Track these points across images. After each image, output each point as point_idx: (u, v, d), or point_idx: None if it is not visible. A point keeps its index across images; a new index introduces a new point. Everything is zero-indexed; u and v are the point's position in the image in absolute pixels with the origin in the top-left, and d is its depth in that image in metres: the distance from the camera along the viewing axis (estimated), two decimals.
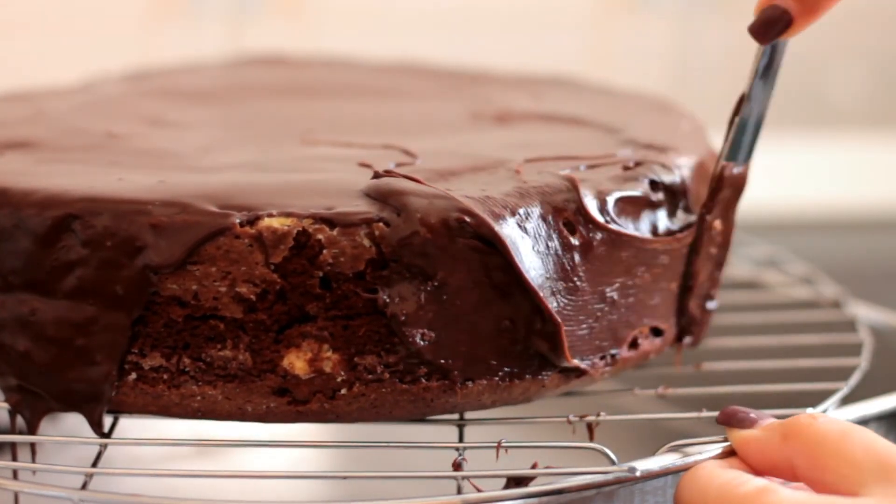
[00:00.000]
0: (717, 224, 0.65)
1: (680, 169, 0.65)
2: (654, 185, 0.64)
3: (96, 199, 0.59)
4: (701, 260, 0.65)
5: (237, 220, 0.58)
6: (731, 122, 0.64)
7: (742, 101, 0.63)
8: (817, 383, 0.64)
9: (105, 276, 0.58)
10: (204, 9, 1.21)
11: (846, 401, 0.64)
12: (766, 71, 0.63)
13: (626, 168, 0.64)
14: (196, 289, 0.58)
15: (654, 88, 0.85)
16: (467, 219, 0.58)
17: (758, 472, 0.56)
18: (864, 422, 0.63)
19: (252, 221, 0.58)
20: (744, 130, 0.64)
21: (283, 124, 0.73)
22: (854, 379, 0.65)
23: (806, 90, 1.19)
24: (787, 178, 1.22)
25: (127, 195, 0.59)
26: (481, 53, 1.01)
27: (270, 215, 0.58)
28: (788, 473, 0.55)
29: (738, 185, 0.65)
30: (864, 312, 0.77)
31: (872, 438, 0.54)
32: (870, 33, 1.23)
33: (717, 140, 0.73)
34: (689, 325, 0.66)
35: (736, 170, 0.64)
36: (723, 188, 0.64)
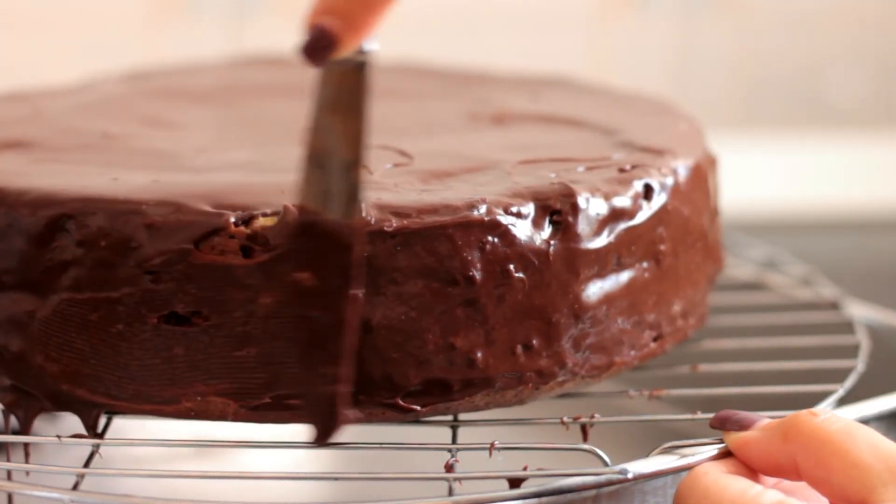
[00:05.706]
0: (304, 276, 0.53)
1: (675, 172, 0.65)
2: (648, 187, 0.64)
3: (90, 199, 0.59)
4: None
5: (231, 220, 0.58)
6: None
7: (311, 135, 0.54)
8: (813, 385, 0.64)
9: (99, 275, 0.58)
10: (204, 9, 1.21)
11: (843, 402, 0.64)
12: (336, 104, 0.54)
13: (622, 171, 0.64)
14: None
15: (654, 89, 0.85)
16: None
17: (759, 472, 0.56)
18: (862, 423, 0.62)
19: (246, 221, 0.58)
20: (321, 170, 0.53)
21: (281, 124, 0.73)
22: (850, 381, 0.65)
23: (806, 90, 1.19)
24: (788, 179, 1.22)
25: (121, 195, 0.59)
26: (481, 53, 1.01)
27: (265, 214, 0.58)
28: (791, 472, 0.55)
29: (336, 238, 0.53)
30: (863, 313, 0.76)
31: (876, 438, 0.53)
32: (870, 34, 1.23)
33: (715, 141, 0.74)
34: None
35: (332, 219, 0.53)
36: (307, 236, 0.54)
